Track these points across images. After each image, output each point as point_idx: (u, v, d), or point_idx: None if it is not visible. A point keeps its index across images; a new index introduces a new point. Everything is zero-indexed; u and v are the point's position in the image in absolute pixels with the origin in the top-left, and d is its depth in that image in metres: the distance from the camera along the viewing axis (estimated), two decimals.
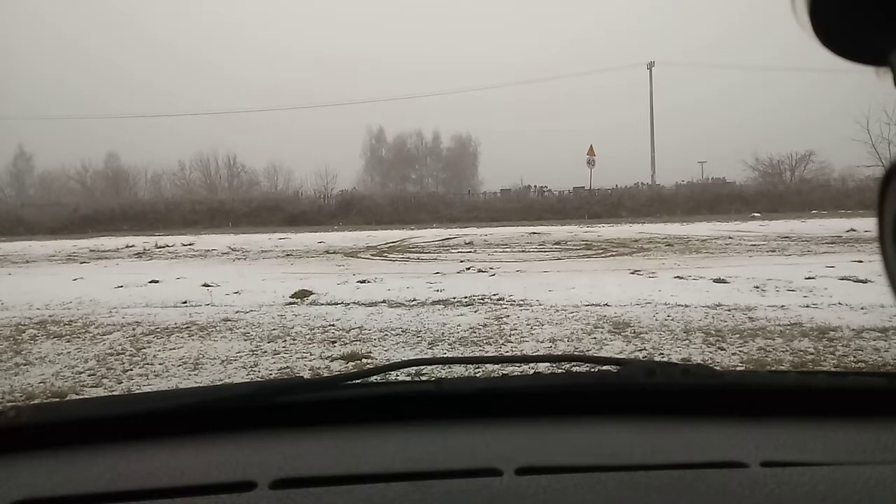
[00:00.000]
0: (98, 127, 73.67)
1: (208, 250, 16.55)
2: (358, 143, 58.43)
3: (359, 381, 1.02)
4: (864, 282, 7.24)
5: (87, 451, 0.86)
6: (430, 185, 52.62)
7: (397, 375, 1.44)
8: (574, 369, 1.57)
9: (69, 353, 5.18)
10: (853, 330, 5.07)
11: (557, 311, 6.27)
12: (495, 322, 5.81)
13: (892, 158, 0.50)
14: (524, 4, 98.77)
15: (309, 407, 0.95)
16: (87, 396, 3.93)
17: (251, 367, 4.57)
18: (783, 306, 6.15)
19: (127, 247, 18.46)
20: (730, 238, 15.60)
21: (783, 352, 4.53)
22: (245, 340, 5.38)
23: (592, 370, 1.15)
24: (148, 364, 4.73)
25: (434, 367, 3.60)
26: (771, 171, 39.58)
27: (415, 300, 7.16)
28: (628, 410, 0.95)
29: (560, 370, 1.94)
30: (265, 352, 4.98)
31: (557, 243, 15.71)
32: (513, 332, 5.38)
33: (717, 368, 1.17)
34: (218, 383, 4.08)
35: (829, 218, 22.20)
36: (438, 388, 0.99)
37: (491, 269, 10.10)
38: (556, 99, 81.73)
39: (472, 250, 14.37)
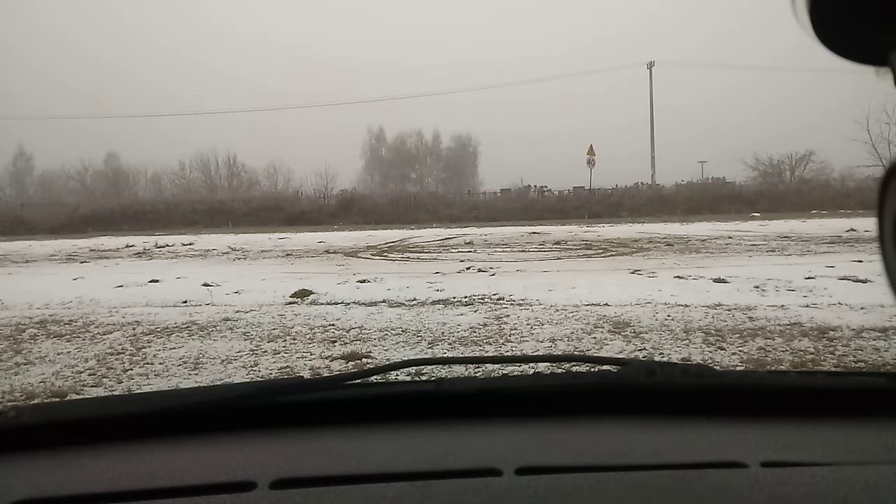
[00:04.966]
0: (98, 127, 73.97)
1: (208, 250, 16.54)
2: (358, 142, 58.61)
3: (359, 381, 1.02)
4: (864, 282, 7.24)
5: (88, 451, 0.86)
6: (430, 185, 52.68)
7: (397, 375, 1.44)
8: (574, 369, 1.57)
9: (69, 352, 5.18)
10: (853, 330, 5.07)
11: (557, 310, 6.27)
12: (495, 322, 5.81)
13: (892, 158, 0.50)
14: (524, 5, 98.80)
15: (309, 407, 0.95)
16: (87, 396, 3.93)
17: (251, 366, 4.57)
18: (783, 306, 6.15)
19: (127, 246, 18.45)
20: (730, 238, 15.59)
21: (783, 352, 4.52)
22: (245, 340, 5.38)
23: (592, 370, 1.15)
24: (148, 364, 4.73)
25: (434, 367, 3.60)
26: (771, 170, 39.61)
27: (415, 300, 7.16)
28: (628, 410, 0.95)
29: (560, 370, 1.94)
30: (265, 351, 4.98)
31: (557, 243, 15.71)
32: (513, 332, 5.38)
33: (717, 368, 1.17)
34: (218, 383, 4.08)
35: (829, 218, 22.20)
36: (438, 388, 0.99)
37: (491, 268, 10.10)
38: (556, 99, 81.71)
39: (472, 250, 14.36)
